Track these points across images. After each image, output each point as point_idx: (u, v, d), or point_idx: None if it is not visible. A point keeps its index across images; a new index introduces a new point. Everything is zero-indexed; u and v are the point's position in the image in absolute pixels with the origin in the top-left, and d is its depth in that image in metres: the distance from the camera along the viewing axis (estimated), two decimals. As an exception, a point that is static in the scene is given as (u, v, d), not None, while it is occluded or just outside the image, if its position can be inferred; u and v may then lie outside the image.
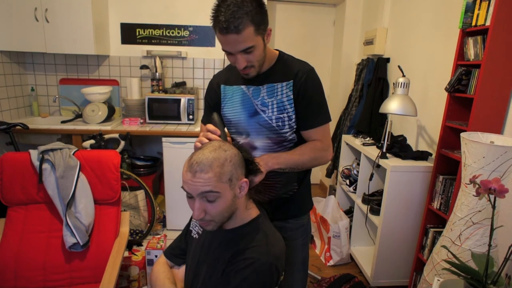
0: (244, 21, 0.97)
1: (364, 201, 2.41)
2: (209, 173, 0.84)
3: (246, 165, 0.94)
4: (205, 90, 1.35)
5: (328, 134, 1.21)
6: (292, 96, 1.14)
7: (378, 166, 2.18)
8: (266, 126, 1.16)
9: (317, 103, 1.16)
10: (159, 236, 2.23)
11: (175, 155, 2.70)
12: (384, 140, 2.17)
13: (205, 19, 3.15)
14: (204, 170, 0.84)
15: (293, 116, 1.15)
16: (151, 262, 2.07)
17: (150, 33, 3.14)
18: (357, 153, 2.78)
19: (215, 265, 0.95)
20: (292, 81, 1.14)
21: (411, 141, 2.42)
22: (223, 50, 1.06)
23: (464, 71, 1.68)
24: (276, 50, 1.21)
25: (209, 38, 3.19)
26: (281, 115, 1.15)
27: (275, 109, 1.15)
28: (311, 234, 2.81)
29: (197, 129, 2.72)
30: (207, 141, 0.97)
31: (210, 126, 1.02)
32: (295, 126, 1.17)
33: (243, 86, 1.19)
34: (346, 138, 2.81)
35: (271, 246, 0.92)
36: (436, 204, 1.89)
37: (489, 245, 1.00)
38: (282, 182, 1.15)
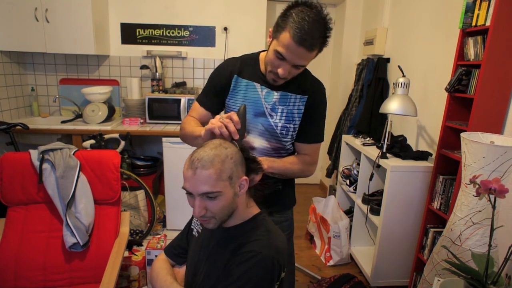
0: (317, 43, 1.01)
1: (364, 201, 2.41)
2: (210, 169, 0.84)
3: (248, 163, 0.94)
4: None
5: (318, 152, 1.28)
6: (302, 110, 1.19)
7: (378, 166, 2.18)
8: (269, 130, 1.18)
9: (319, 122, 1.23)
10: (159, 236, 2.23)
11: (175, 155, 2.71)
12: (384, 140, 2.17)
13: (205, 19, 3.15)
14: (205, 166, 0.84)
15: (297, 128, 1.20)
16: (151, 262, 2.06)
17: (150, 33, 3.14)
18: (357, 153, 2.78)
19: (215, 263, 0.95)
20: (307, 97, 1.18)
21: (411, 141, 2.42)
22: (278, 52, 1.03)
23: (464, 71, 1.68)
24: None
25: (209, 38, 3.20)
26: (288, 125, 1.19)
27: (283, 117, 1.18)
28: (311, 234, 2.82)
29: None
30: (225, 131, 0.93)
31: (234, 116, 0.95)
32: (295, 137, 1.22)
33: (256, 84, 1.19)
34: (346, 138, 2.81)
35: (273, 240, 0.92)
36: (436, 204, 1.89)
37: (489, 245, 1.00)
38: (270, 183, 1.17)
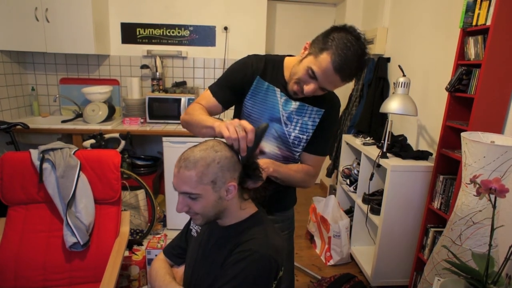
0: (352, 75, 1.01)
1: (365, 200, 2.41)
2: (192, 171, 0.84)
3: (247, 170, 0.93)
4: (205, 89, 1.27)
5: (321, 165, 1.28)
6: (317, 123, 1.18)
7: (379, 165, 2.18)
8: (282, 138, 1.18)
9: (329, 136, 1.23)
10: (159, 236, 2.24)
11: (176, 155, 2.65)
12: (384, 140, 2.17)
13: (205, 19, 3.15)
14: (188, 167, 0.84)
15: (309, 140, 1.20)
16: (151, 262, 2.06)
17: (151, 33, 3.14)
18: (357, 153, 2.78)
19: (214, 261, 0.95)
20: (324, 110, 1.18)
21: (411, 141, 2.42)
22: (312, 70, 1.01)
23: (464, 70, 1.67)
24: None
25: (210, 38, 3.19)
26: (301, 136, 1.19)
27: (297, 128, 1.18)
28: (312, 233, 2.82)
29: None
30: (236, 144, 0.87)
31: (250, 134, 0.88)
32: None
33: (277, 89, 1.17)
34: (347, 137, 2.81)
35: (271, 239, 0.92)
36: (436, 204, 1.89)
37: (490, 245, 1.00)
38: (271, 187, 1.16)
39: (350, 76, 1.01)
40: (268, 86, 1.17)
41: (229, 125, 0.89)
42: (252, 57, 1.20)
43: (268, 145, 1.18)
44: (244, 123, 0.89)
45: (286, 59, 1.19)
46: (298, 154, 1.22)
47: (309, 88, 1.05)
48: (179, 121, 2.93)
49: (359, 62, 0.99)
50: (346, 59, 0.96)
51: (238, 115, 1.24)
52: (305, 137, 1.19)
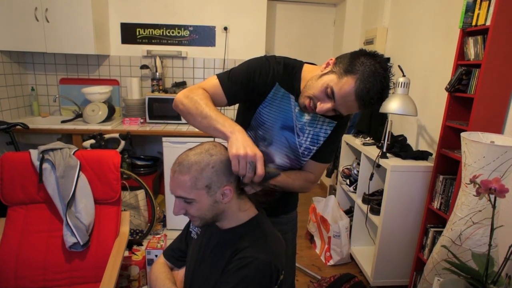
0: (369, 105, 0.96)
1: (364, 201, 2.41)
2: (186, 176, 0.84)
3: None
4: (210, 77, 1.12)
5: (322, 172, 1.26)
6: (328, 134, 1.15)
7: (378, 166, 2.18)
8: (292, 147, 1.15)
9: (334, 146, 1.21)
10: (159, 236, 2.24)
11: (176, 155, 2.63)
12: (384, 140, 2.17)
13: (205, 19, 3.15)
14: (182, 171, 0.84)
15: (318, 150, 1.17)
16: (151, 262, 2.07)
17: (150, 33, 3.14)
18: (357, 153, 2.78)
19: (214, 265, 0.95)
20: (336, 123, 1.14)
21: (411, 141, 2.42)
22: (333, 90, 0.94)
23: (464, 70, 1.68)
24: None
25: (209, 38, 3.19)
26: (311, 147, 1.15)
27: (308, 139, 1.14)
28: (311, 234, 2.82)
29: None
30: (242, 173, 0.84)
31: (258, 179, 0.85)
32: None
33: (292, 97, 1.10)
34: (346, 138, 2.81)
35: (271, 244, 0.92)
36: (436, 204, 1.89)
37: (489, 245, 1.00)
38: (279, 191, 1.15)
39: (368, 105, 0.94)
40: (284, 93, 1.10)
41: (242, 157, 0.83)
42: (271, 59, 1.10)
43: (278, 154, 1.15)
44: (259, 161, 0.84)
45: (305, 67, 1.12)
46: (304, 163, 1.19)
47: (323, 107, 0.97)
48: (179, 121, 2.94)
49: (381, 94, 0.93)
50: (370, 89, 0.90)
51: (247, 118, 1.15)
52: (315, 148, 1.15)
